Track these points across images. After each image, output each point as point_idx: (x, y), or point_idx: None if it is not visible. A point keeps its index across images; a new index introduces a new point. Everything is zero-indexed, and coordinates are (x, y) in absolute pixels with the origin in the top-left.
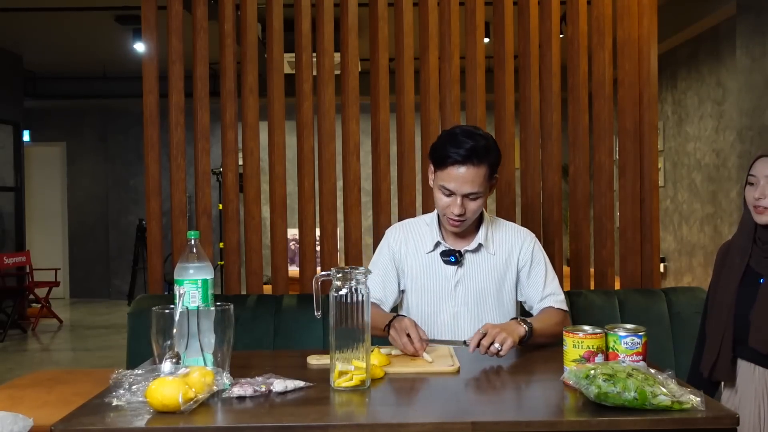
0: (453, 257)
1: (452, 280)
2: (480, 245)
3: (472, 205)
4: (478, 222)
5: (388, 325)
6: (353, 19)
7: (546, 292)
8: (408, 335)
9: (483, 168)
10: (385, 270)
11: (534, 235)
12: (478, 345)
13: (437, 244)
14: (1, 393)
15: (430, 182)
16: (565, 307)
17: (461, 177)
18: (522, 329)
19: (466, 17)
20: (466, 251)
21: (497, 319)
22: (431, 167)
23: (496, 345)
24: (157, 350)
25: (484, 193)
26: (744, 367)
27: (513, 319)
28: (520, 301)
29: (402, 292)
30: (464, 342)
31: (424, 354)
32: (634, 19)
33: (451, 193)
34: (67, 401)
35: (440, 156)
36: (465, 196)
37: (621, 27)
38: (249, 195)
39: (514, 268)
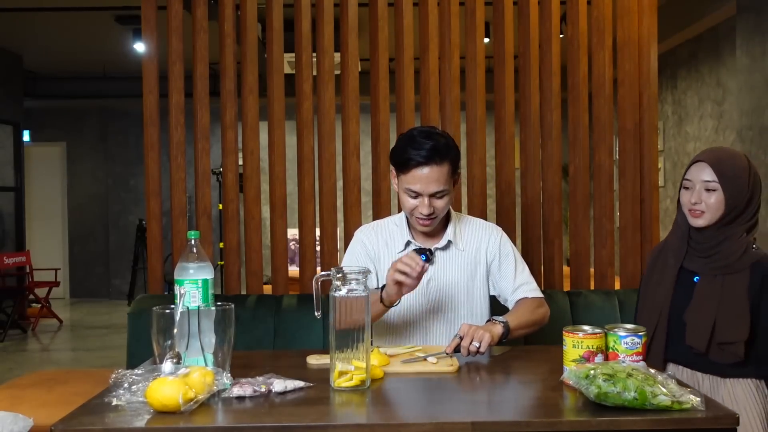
0: (424, 255)
1: (424, 278)
2: (449, 242)
3: (440, 203)
4: (446, 219)
5: (382, 289)
6: (353, 19)
7: (518, 282)
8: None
9: (446, 166)
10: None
11: (501, 229)
12: (458, 349)
13: (408, 244)
14: (1, 393)
15: (394, 186)
16: (539, 294)
17: (425, 177)
18: (499, 327)
19: (466, 17)
20: (437, 249)
21: (470, 314)
22: (393, 171)
23: (475, 343)
24: (157, 350)
25: (450, 190)
26: (671, 371)
27: (488, 321)
28: (493, 296)
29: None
30: (445, 351)
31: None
32: (634, 19)
33: (417, 195)
34: (67, 401)
35: (402, 160)
36: (431, 195)
37: (621, 27)
38: (249, 195)
39: (483, 263)
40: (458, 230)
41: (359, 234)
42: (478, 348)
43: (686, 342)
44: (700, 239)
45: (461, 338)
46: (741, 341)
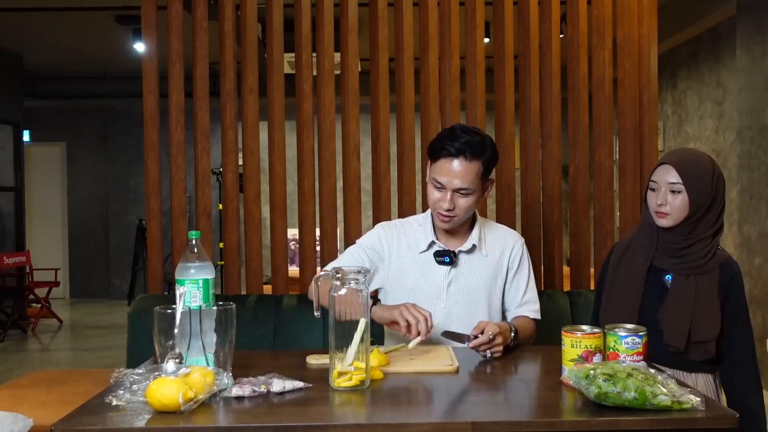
0: (447, 257)
1: (445, 280)
2: (474, 246)
3: (463, 202)
4: (472, 223)
5: (375, 301)
6: (353, 19)
7: (525, 298)
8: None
9: (475, 164)
10: (361, 259)
11: (523, 240)
12: (479, 346)
13: (431, 244)
14: (1, 393)
15: (427, 178)
16: (539, 316)
17: (452, 171)
18: (510, 337)
19: (466, 17)
20: (460, 252)
21: (487, 320)
22: (428, 162)
23: (488, 354)
24: (158, 350)
25: (476, 191)
26: None
27: (506, 321)
28: None
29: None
30: (468, 336)
31: (412, 342)
32: (634, 19)
33: (441, 187)
34: (67, 401)
35: (435, 149)
36: (455, 191)
37: (621, 27)
38: (249, 195)
39: (504, 270)
40: (483, 235)
41: (379, 228)
42: (486, 356)
43: (664, 341)
44: (669, 238)
45: (482, 333)
46: (713, 339)
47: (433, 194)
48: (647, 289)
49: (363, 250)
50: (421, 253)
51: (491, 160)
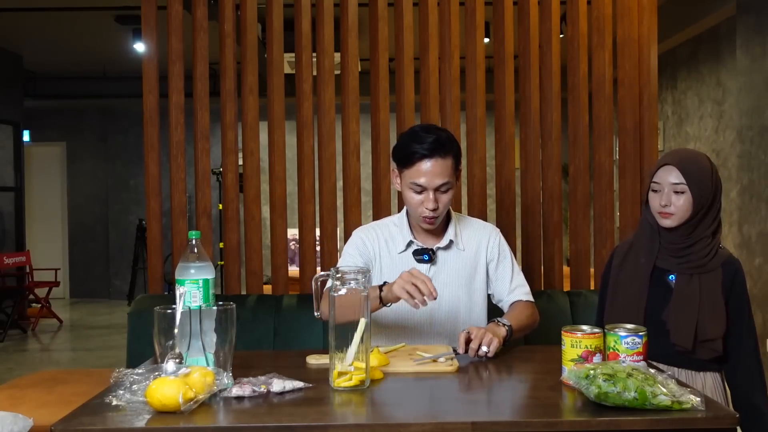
0: (426, 255)
1: None
2: (451, 242)
3: (444, 198)
4: (446, 219)
5: (381, 287)
6: (353, 19)
7: (514, 284)
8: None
9: (449, 159)
10: (356, 262)
11: (498, 230)
12: (466, 350)
13: (409, 244)
14: (1, 393)
15: (396, 185)
16: (531, 298)
17: (430, 171)
18: (503, 330)
19: (466, 17)
20: (438, 248)
21: (470, 313)
22: (395, 170)
23: (484, 348)
24: (158, 350)
25: (453, 184)
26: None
27: (491, 321)
28: (488, 294)
29: None
30: (454, 349)
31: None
32: (634, 19)
33: (422, 189)
34: (67, 401)
35: (406, 154)
36: (436, 189)
37: (621, 27)
38: (249, 195)
39: (483, 262)
40: (458, 230)
41: (358, 232)
42: (486, 353)
43: (672, 341)
44: (671, 238)
45: (468, 336)
46: (720, 338)
47: (414, 198)
48: (651, 290)
49: (352, 258)
50: (399, 253)
51: (458, 150)
